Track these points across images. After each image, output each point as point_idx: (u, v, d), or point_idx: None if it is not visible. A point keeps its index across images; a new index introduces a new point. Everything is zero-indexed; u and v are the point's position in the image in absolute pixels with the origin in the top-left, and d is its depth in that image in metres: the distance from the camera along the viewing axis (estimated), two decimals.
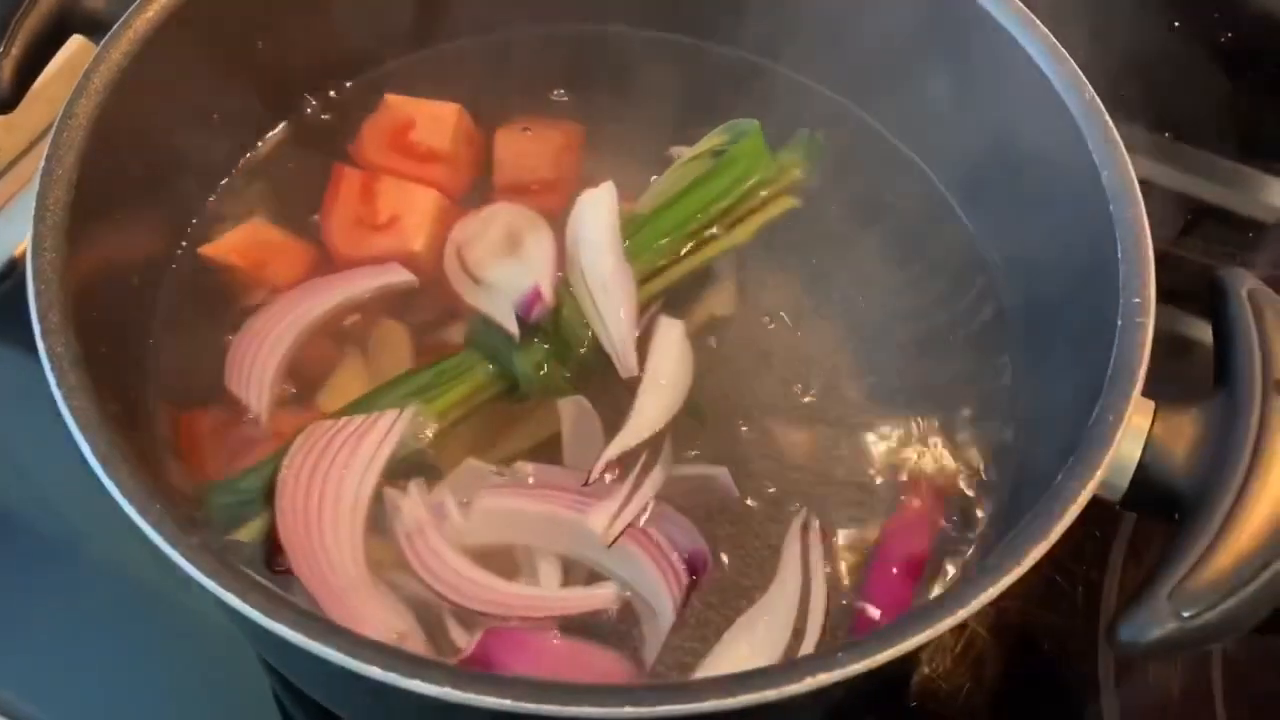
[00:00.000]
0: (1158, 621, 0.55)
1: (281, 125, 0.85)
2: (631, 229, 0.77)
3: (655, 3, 0.89)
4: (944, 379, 0.78)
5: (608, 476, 0.69)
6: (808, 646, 0.65)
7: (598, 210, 0.76)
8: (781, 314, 0.80)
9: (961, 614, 0.52)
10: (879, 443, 0.75)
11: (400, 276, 0.77)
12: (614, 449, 0.70)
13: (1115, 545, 0.86)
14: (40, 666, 0.78)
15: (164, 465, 0.69)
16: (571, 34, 0.91)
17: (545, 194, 0.83)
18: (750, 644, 0.65)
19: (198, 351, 0.74)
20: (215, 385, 0.73)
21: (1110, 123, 0.69)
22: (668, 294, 0.78)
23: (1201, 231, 1.07)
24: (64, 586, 0.81)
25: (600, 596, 0.65)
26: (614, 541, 0.65)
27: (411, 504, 0.67)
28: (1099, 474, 0.57)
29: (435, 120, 0.83)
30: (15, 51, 0.69)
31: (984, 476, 0.74)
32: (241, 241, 0.78)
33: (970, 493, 0.74)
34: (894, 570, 0.70)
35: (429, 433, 0.70)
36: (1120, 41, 1.16)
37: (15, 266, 0.90)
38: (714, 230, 0.79)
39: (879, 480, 0.74)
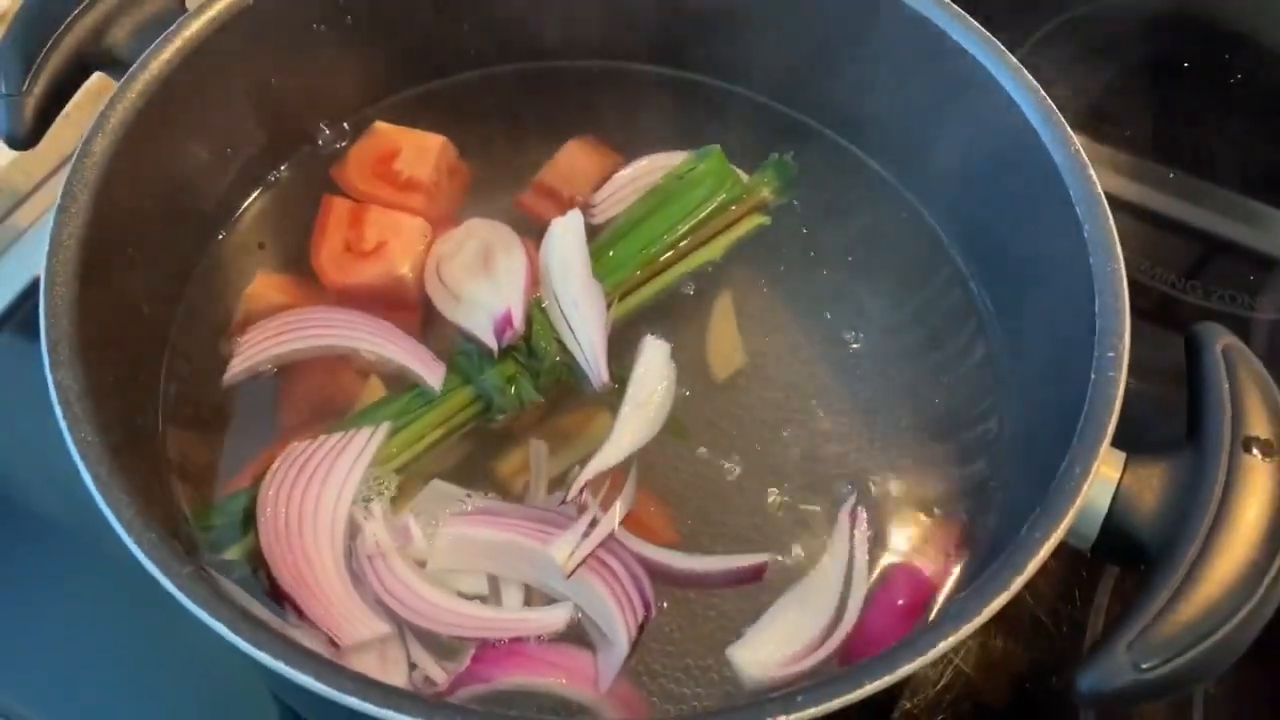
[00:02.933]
0: (1116, 673, 0.56)
1: (295, 157, 0.87)
2: (603, 249, 0.82)
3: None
4: (931, 418, 0.80)
5: (585, 495, 0.72)
6: (847, 625, 0.68)
7: (567, 234, 0.81)
8: (772, 346, 0.82)
9: (919, 661, 0.54)
10: (859, 478, 0.77)
11: (432, 379, 0.76)
12: (592, 469, 0.72)
13: (1101, 585, 0.87)
14: (43, 671, 0.81)
15: (170, 489, 0.72)
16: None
17: (566, 209, 0.85)
18: (799, 613, 0.69)
19: (208, 378, 0.77)
20: (224, 410, 0.76)
21: (1094, 177, 0.70)
22: (661, 318, 0.81)
23: (1215, 266, 1.09)
24: (73, 588, 0.83)
25: (554, 619, 0.68)
26: (573, 573, 0.67)
27: (374, 526, 0.70)
28: (1062, 527, 0.58)
29: (419, 150, 0.85)
30: (38, 89, 0.71)
31: (967, 518, 0.76)
32: (262, 289, 0.81)
33: (955, 532, 0.75)
34: (899, 602, 0.71)
35: (403, 457, 0.73)
36: (1134, 81, 1.19)
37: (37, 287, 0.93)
38: (684, 246, 0.83)
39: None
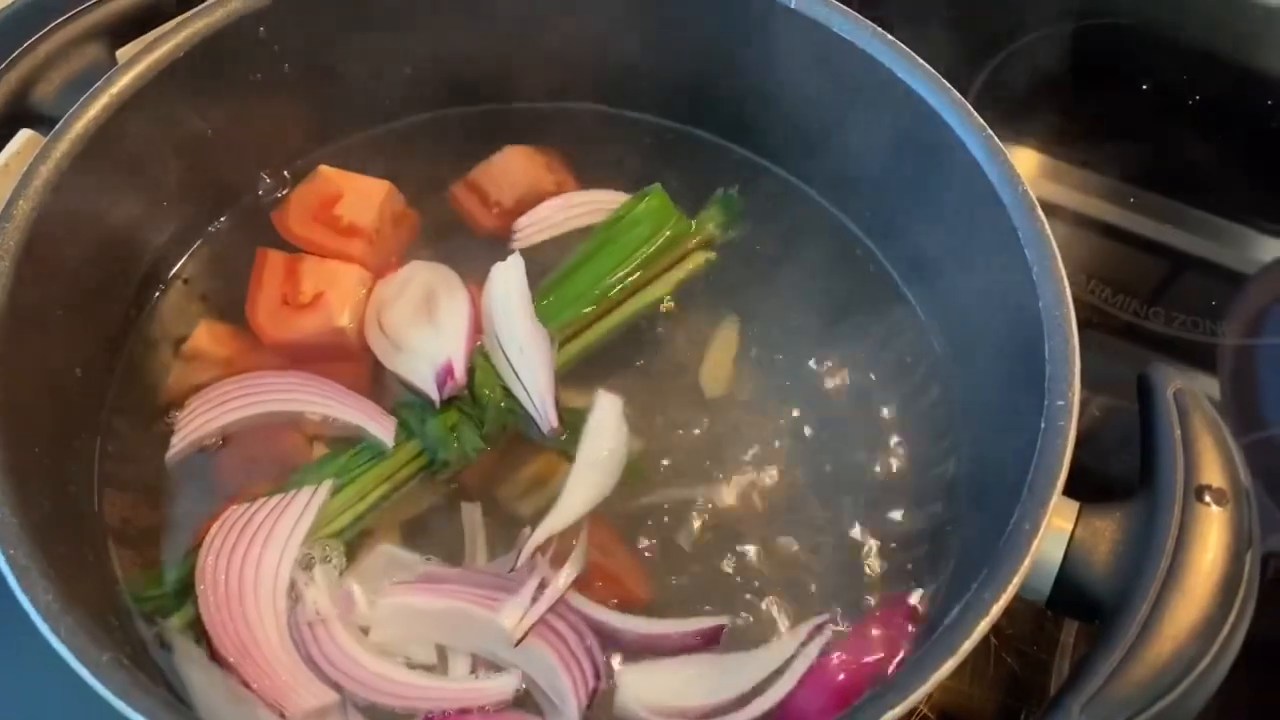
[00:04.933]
0: None
1: (236, 206, 0.86)
2: (546, 292, 0.81)
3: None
4: (889, 464, 0.79)
5: (539, 557, 0.70)
6: (755, 710, 0.65)
7: (508, 279, 0.79)
8: (731, 388, 0.81)
9: None
10: (820, 530, 0.75)
11: (384, 434, 0.74)
12: (542, 533, 0.70)
13: (1067, 626, 0.86)
14: None
15: (106, 557, 0.70)
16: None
17: (493, 217, 0.86)
18: (711, 674, 0.66)
19: (149, 439, 0.75)
20: (168, 472, 0.74)
21: (1042, 218, 0.69)
22: (613, 361, 0.80)
23: (1178, 291, 1.08)
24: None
25: (501, 688, 0.66)
26: (521, 640, 0.65)
27: (315, 592, 0.68)
28: (1011, 587, 0.57)
29: (363, 196, 0.83)
30: None
31: (925, 566, 0.74)
32: (205, 341, 0.79)
33: (912, 583, 0.74)
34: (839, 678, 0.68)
35: (347, 516, 0.72)
36: (1093, 103, 1.18)
37: None
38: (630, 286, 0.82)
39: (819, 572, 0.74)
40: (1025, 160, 1.12)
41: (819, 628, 0.68)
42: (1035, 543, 0.58)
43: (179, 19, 0.76)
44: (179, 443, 0.74)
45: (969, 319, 0.78)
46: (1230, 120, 1.19)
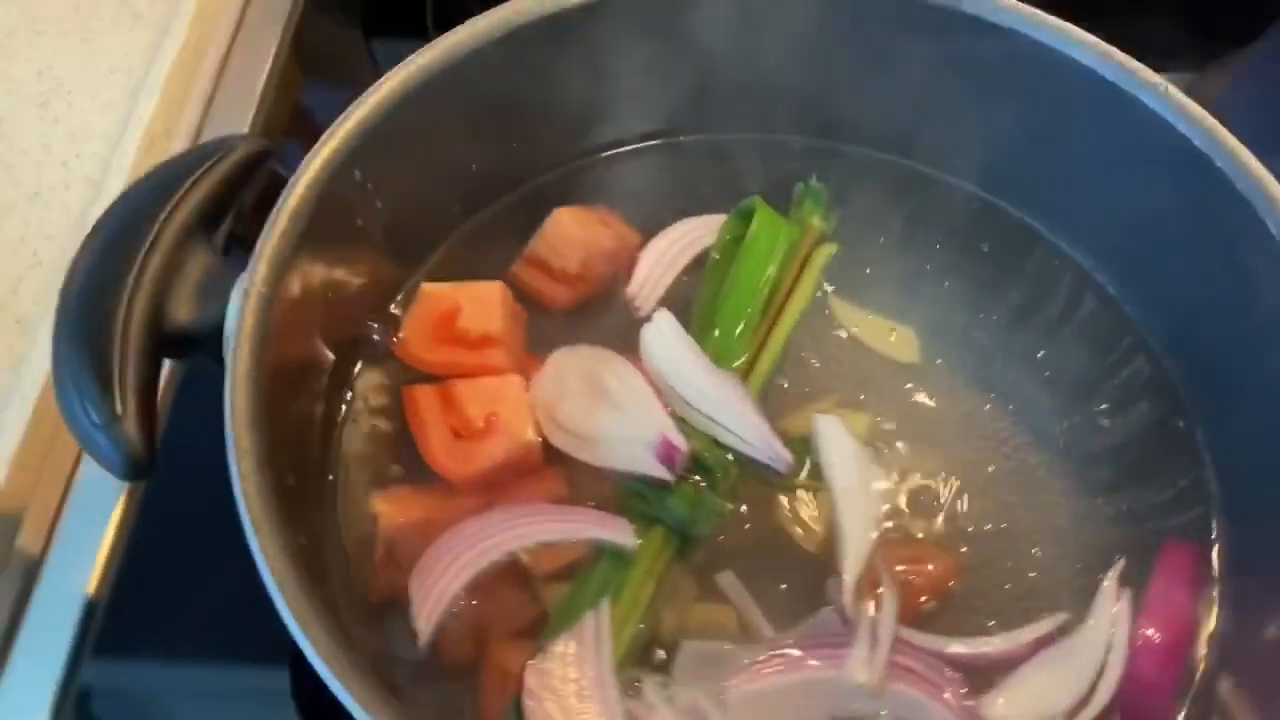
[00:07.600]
0: None
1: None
2: (704, 342, 0.79)
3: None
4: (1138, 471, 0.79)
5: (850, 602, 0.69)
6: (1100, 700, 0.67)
7: (665, 337, 0.77)
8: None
9: None
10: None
11: (623, 536, 0.70)
12: (850, 575, 0.69)
13: None
14: None
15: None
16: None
17: (564, 288, 0.83)
18: (1050, 679, 0.67)
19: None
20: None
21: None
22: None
23: None
24: None
25: None
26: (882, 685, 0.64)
27: (661, 715, 0.65)
28: None
29: (479, 303, 0.79)
30: (131, 406, 0.62)
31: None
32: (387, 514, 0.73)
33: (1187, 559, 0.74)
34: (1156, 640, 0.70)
35: (631, 628, 0.69)
36: None
37: None
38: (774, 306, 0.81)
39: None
40: None
41: (1121, 578, 0.70)
42: None
43: None
44: (426, 626, 0.69)
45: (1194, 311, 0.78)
46: None
